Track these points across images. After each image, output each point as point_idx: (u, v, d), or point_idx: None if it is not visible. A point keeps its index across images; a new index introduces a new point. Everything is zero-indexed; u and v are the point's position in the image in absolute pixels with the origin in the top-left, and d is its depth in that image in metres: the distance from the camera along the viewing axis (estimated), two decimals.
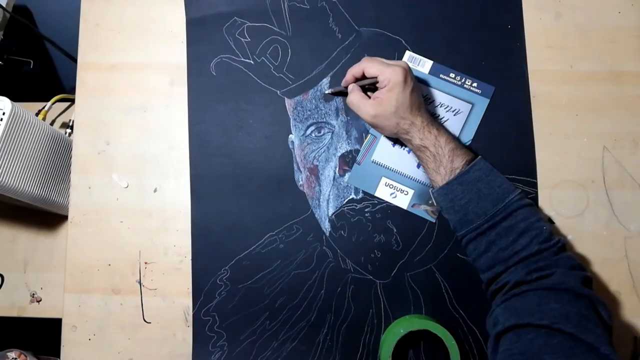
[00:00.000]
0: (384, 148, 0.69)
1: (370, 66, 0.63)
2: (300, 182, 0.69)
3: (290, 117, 0.71)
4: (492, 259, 0.57)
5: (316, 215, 0.69)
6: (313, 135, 0.70)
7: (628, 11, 0.71)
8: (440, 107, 0.70)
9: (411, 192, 0.69)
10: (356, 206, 0.68)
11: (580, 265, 0.56)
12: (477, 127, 0.69)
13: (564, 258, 0.56)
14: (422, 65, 0.70)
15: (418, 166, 0.68)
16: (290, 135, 0.70)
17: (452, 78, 0.70)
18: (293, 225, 0.69)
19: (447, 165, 0.60)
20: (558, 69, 0.70)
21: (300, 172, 0.70)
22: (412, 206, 0.68)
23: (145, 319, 0.69)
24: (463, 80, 0.70)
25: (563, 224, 0.68)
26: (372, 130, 0.69)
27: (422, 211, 0.68)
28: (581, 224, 0.68)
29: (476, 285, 0.67)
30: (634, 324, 0.66)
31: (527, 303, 0.52)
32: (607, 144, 0.69)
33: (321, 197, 0.69)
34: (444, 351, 0.61)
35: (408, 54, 0.71)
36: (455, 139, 0.62)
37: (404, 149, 0.69)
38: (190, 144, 0.71)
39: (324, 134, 0.70)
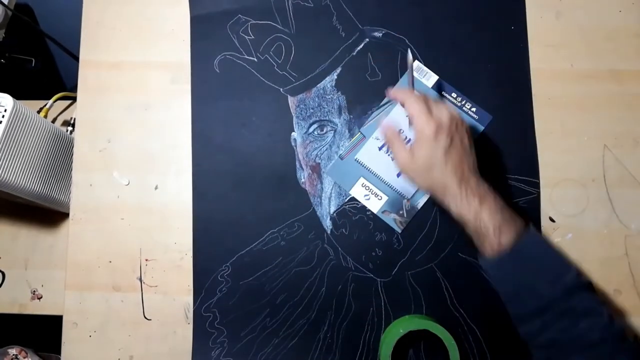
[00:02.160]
0: (370, 150, 0.69)
1: (410, 103, 0.58)
2: (302, 180, 0.70)
3: (293, 114, 0.71)
4: (549, 340, 0.52)
5: (317, 213, 0.69)
6: (315, 133, 0.70)
7: (629, 10, 0.71)
8: None
9: (385, 198, 0.68)
10: (358, 204, 0.69)
11: None
12: None
13: (628, 349, 0.51)
14: (427, 79, 0.70)
15: (398, 175, 0.68)
16: (293, 133, 0.71)
17: (453, 98, 0.70)
18: (294, 222, 0.69)
19: (493, 241, 0.53)
20: (558, 68, 0.71)
21: (302, 169, 0.70)
22: (383, 212, 0.68)
23: (146, 316, 0.69)
24: (463, 102, 0.70)
25: (564, 223, 0.68)
26: (362, 129, 0.69)
27: (391, 219, 0.67)
28: (582, 222, 0.68)
29: (477, 285, 0.67)
30: (634, 323, 0.66)
31: None
32: (608, 142, 0.69)
33: (323, 194, 0.69)
34: (444, 351, 0.61)
35: (417, 63, 0.70)
36: (502, 209, 0.54)
37: (389, 155, 0.68)
38: (193, 140, 0.71)
39: (326, 132, 0.70)
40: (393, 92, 0.63)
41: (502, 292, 0.56)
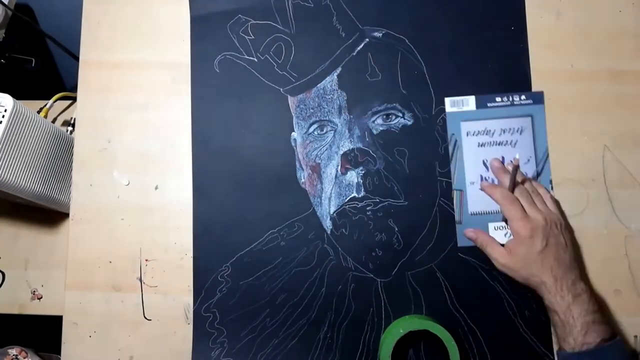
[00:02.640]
0: (475, 196, 0.68)
1: (506, 206, 0.62)
2: (302, 180, 0.70)
3: (293, 115, 0.71)
4: None
5: (317, 213, 0.69)
6: (315, 133, 0.70)
7: (629, 10, 0.71)
8: (503, 133, 0.69)
9: None
10: (358, 204, 0.68)
11: None
12: (545, 134, 0.69)
13: None
14: (467, 104, 0.69)
15: None
16: (293, 133, 0.71)
17: (499, 102, 0.69)
18: (294, 222, 0.69)
19: (578, 337, 0.56)
20: (558, 68, 0.71)
21: (302, 169, 0.70)
22: None
23: (146, 316, 0.69)
24: (511, 99, 0.69)
25: None
26: (455, 186, 0.69)
27: None
28: (581, 222, 0.68)
29: (477, 285, 0.67)
30: (634, 323, 0.66)
31: None
32: (608, 142, 0.69)
33: (323, 195, 0.69)
34: (444, 351, 0.61)
35: (449, 100, 0.70)
36: (596, 313, 0.57)
37: None
38: (193, 141, 0.71)
39: (326, 132, 0.70)
40: (489, 188, 0.66)
41: None
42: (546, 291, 0.59)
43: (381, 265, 0.68)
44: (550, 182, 0.68)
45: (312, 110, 0.70)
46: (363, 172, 0.69)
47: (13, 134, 0.68)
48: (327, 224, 0.69)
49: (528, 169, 0.69)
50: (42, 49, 1.19)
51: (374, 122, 0.70)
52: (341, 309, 0.68)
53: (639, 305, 0.66)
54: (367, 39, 0.71)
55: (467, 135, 0.69)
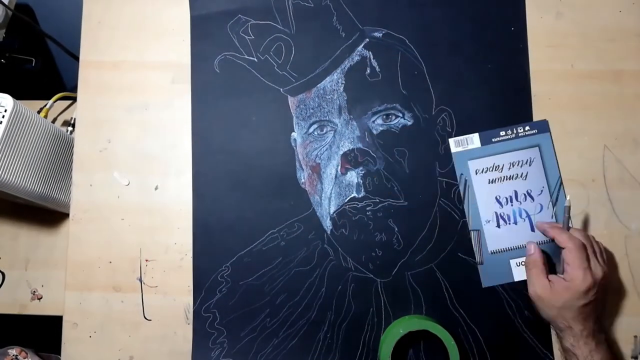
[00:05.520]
0: (492, 235, 0.67)
1: (569, 251, 0.59)
2: (302, 180, 0.70)
3: (293, 115, 0.71)
4: None
5: (317, 213, 0.69)
6: (315, 133, 0.70)
7: (629, 10, 0.71)
8: (512, 167, 0.68)
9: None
10: (358, 204, 0.68)
11: None
12: (556, 162, 0.68)
13: None
14: (472, 142, 0.69)
15: (532, 229, 0.67)
16: (293, 133, 0.71)
17: (504, 135, 0.69)
18: (294, 222, 0.69)
19: None
20: (559, 68, 0.71)
21: (302, 170, 0.70)
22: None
23: (146, 317, 0.69)
24: (515, 131, 0.69)
25: None
26: (471, 225, 0.68)
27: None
28: (581, 222, 0.68)
29: (476, 285, 0.67)
30: (634, 323, 0.66)
31: None
32: (608, 142, 0.69)
33: (323, 195, 0.69)
34: (444, 351, 0.61)
35: (453, 140, 0.69)
36: (613, 358, 0.59)
37: (507, 224, 0.68)
38: (193, 141, 0.71)
39: (326, 132, 0.70)
40: (551, 229, 0.63)
41: None
42: (571, 335, 0.59)
43: (381, 265, 0.68)
44: (567, 209, 0.64)
45: (312, 111, 0.71)
46: (363, 172, 0.69)
47: (13, 134, 0.68)
48: (327, 224, 0.69)
49: (542, 200, 0.68)
50: (42, 49, 1.19)
51: (374, 122, 0.70)
52: (341, 309, 0.68)
53: (639, 305, 0.67)
54: (367, 39, 0.71)
55: (476, 173, 0.68)
